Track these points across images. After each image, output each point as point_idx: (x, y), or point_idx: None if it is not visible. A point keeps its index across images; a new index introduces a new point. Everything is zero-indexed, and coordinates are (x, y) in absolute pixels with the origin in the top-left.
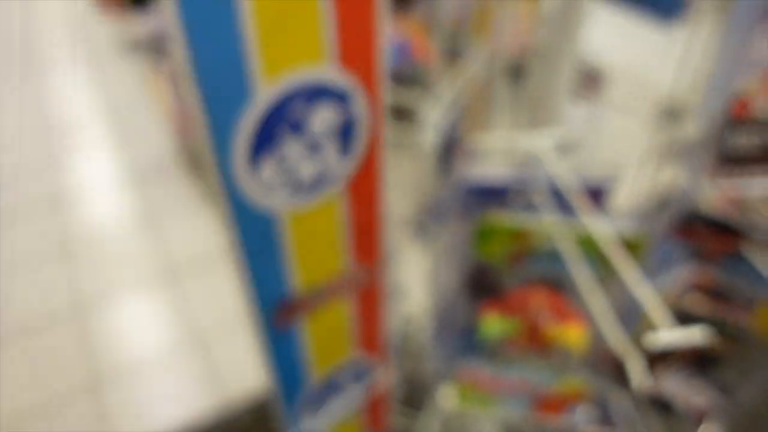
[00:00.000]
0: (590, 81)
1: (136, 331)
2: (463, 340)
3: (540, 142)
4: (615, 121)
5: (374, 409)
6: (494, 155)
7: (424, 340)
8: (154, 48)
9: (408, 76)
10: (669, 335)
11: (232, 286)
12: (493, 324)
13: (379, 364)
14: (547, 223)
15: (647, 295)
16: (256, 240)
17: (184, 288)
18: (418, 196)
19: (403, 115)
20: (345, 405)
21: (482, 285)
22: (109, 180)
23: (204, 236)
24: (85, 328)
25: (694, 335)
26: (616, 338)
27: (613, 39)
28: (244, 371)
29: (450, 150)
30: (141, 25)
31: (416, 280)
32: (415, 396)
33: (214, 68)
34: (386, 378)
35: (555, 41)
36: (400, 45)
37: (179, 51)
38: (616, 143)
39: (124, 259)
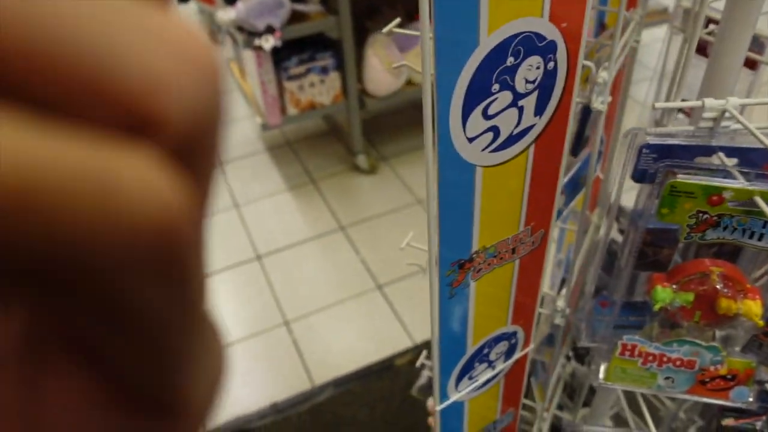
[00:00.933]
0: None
1: (219, 311)
2: (626, 314)
3: (728, 103)
4: None
5: (512, 384)
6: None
7: (574, 318)
8: (240, 33)
9: None
10: None
11: (315, 268)
12: (665, 296)
13: (525, 338)
14: (738, 187)
15: None
16: (453, 195)
17: (269, 269)
18: None
19: None
20: (491, 378)
21: (656, 254)
22: None
23: (289, 219)
24: None
25: None
26: None
27: None
28: (328, 353)
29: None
30: (228, 11)
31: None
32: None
33: (452, 18)
34: (528, 354)
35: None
36: None
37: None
38: None
39: (211, 239)
